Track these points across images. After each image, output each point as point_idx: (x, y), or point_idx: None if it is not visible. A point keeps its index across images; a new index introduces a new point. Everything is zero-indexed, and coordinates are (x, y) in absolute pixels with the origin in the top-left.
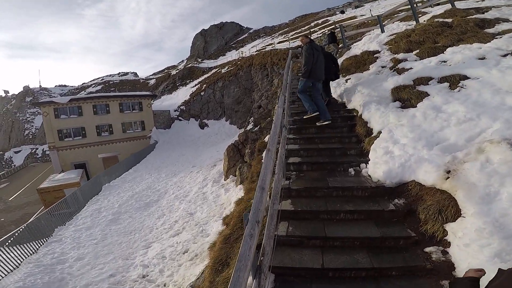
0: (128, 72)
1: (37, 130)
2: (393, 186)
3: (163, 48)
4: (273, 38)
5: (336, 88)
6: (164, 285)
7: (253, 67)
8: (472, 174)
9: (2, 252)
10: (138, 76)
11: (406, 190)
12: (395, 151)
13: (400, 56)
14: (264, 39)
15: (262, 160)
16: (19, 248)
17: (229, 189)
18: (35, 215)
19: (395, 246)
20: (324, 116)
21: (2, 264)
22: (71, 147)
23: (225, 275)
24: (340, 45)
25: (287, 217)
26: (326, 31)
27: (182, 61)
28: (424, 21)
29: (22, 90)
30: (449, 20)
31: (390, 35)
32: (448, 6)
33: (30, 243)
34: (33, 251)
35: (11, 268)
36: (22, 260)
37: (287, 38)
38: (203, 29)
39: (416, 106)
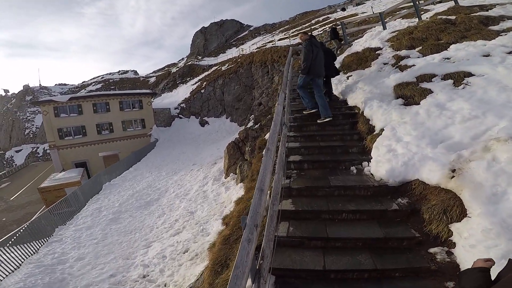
0: (128, 70)
1: (37, 129)
2: (396, 185)
3: (163, 46)
4: (273, 36)
5: (338, 85)
6: (165, 285)
7: (253, 64)
8: (479, 173)
9: (3, 252)
10: (138, 74)
11: (409, 189)
12: (398, 149)
13: (403, 53)
14: (264, 36)
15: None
16: (20, 248)
17: (229, 187)
18: (36, 214)
19: (398, 247)
20: (325, 113)
21: (3, 264)
22: (72, 145)
23: (225, 277)
24: (341, 42)
25: (287, 217)
26: (327, 28)
27: (182, 58)
28: (427, 18)
29: (22, 89)
30: (453, 17)
31: (392, 32)
32: (452, 3)
33: (31, 243)
34: (34, 251)
35: (12, 269)
36: (23, 260)
37: (288, 36)
38: (203, 26)
39: (420, 104)
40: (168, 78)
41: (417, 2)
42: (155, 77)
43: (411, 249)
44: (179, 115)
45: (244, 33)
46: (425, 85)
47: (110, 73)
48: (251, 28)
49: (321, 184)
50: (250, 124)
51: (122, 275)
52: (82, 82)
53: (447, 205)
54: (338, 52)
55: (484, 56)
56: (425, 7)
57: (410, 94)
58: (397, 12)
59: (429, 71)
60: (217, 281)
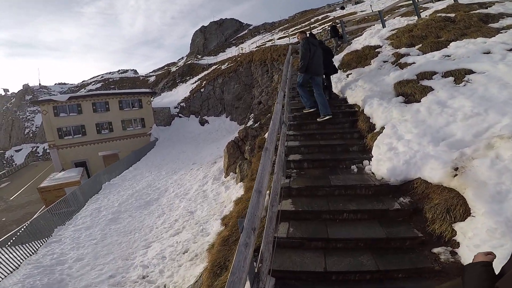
0: (128, 70)
1: (37, 129)
2: (397, 184)
3: (163, 45)
4: (273, 34)
5: (337, 83)
6: (164, 286)
7: (253, 63)
8: (482, 171)
9: (1, 253)
10: (138, 74)
11: (411, 188)
12: (399, 148)
13: (402, 50)
14: (264, 35)
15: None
16: (19, 248)
17: (229, 187)
18: (36, 214)
19: (401, 247)
20: (325, 111)
21: (1, 265)
22: (71, 145)
23: (224, 279)
24: (341, 39)
25: (287, 217)
26: (326, 27)
27: (182, 58)
28: (426, 16)
29: (22, 88)
30: (452, 15)
31: (391, 30)
32: (450, 1)
33: (30, 243)
34: (33, 251)
35: (11, 270)
36: (22, 261)
37: (287, 34)
38: (203, 25)
39: (420, 101)
40: (168, 77)
41: (416, 0)
42: (154, 76)
43: (414, 249)
44: (179, 114)
45: (244, 32)
46: (425, 82)
47: (110, 73)
48: (251, 27)
49: (322, 183)
50: (250, 123)
51: (121, 276)
52: (82, 82)
53: (450, 204)
54: (337, 50)
55: (484, 53)
56: (424, 5)
57: (411, 91)
58: (396, 10)
59: (429, 69)
60: (216, 283)
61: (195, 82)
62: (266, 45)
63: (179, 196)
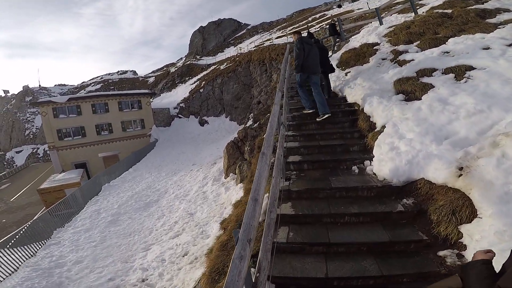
0: (127, 71)
1: (37, 130)
2: (400, 185)
3: (162, 46)
4: (271, 34)
5: (336, 81)
6: None
7: (251, 63)
8: (488, 171)
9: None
10: (137, 74)
11: (415, 189)
12: (401, 147)
13: (401, 47)
14: (262, 35)
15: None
16: (18, 250)
17: (229, 188)
18: (36, 215)
19: (405, 251)
20: (323, 110)
21: (0, 267)
22: (71, 146)
23: (222, 285)
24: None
25: (287, 221)
26: (324, 25)
27: (181, 58)
28: (423, 12)
29: (22, 89)
30: (449, 11)
31: (389, 27)
32: None
33: (29, 245)
34: (32, 253)
35: (9, 272)
36: (20, 263)
37: (285, 33)
38: (201, 26)
39: (421, 99)
40: (167, 78)
41: None
42: (154, 77)
43: (419, 252)
44: (179, 115)
45: (242, 32)
46: (425, 79)
47: (109, 73)
48: (249, 27)
49: (322, 185)
50: (250, 123)
51: (120, 279)
52: (82, 83)
53: (456, 205)
54: (335, 48)
55: (484, 49)
56: (420, 2)
57: (411, 89)
58: (393, 8)
59: (429, 66)
60: None
61: (194, 82)
62: (265, 45)
63: (179, 198)
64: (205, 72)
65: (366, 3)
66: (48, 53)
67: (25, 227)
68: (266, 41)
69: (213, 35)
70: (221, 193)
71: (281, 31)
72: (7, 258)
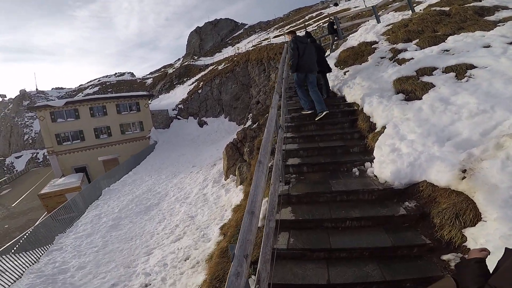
0: (125, 73)
1: (36, 134)
2: (402, 188)
3: (159, 47)
4: (268, 33)
5: (335, 81)
6: None
7: (249, 62)
8: (492, 173)
9: (5, 261)
10: (135, 76)
11: (417, 191)
12: (402, 148)
13: (400, 46)
14: (259, 34)
15: None
16: (22, 256)
17: (229, 190)
18: (38, 220)
19: (408, 255)
20: (320, 107)
21: (7, 273)
22: (70, 151)
23: None
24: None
25: (287, 227)
26: (321, 24)
27: (179, 59)
28: (420, 10)
29: (19, 94)
30: (447, 8)
31: (386, 25)
32: None
33: (32, 251)
34: (35, 259)
35: (14, 279)
36: (25, 269)
37: (283, 32)
38: (198, 26)
39: (422, 98)
40: (165, 79)
41: None
42: (151, 79)
43: (422, 257)
44: (177, 116)
45: (239, 32)
46: (426, 78)
47: (107, 76)
48: (246, 27)
49: (322, 189)
50: (249, 123)
51: (124, 284)
52: (79, 86)
53: (459, 208)
54: (333, 47)
55: (484, 47)
56: None
57: (411, 88)
58: (390, 5)
59: (429, 64)
60: None
61: (193, 83)
62: (262, 44)
63: (180, 200)
64: (203, 73)
65: (363, 1)
66: (44, 56)
67: (27, 233)
68: (263, 40)
69: (210, 35)
70: (222, 195)
71: (279, 30)
72: (12, 264)
